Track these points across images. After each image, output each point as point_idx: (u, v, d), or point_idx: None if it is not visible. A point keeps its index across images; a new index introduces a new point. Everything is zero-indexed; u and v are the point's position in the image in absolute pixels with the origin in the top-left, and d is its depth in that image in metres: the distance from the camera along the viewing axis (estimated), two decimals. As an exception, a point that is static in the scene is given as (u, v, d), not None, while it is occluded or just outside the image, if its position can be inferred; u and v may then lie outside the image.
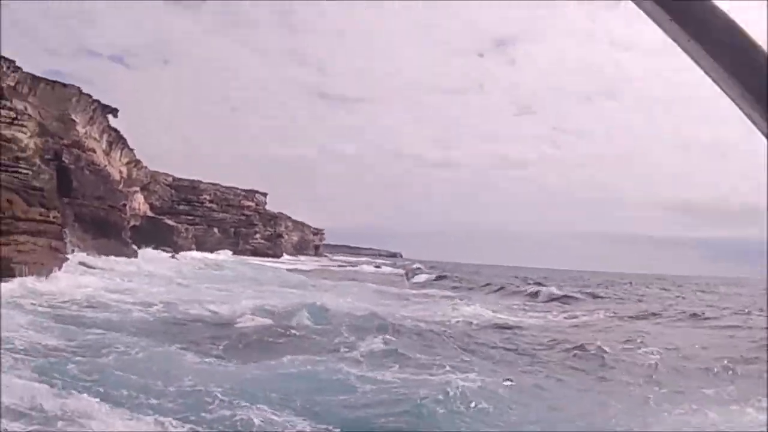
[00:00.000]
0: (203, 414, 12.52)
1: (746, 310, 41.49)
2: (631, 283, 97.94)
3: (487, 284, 68.62)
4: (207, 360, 17.69)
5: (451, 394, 14.49)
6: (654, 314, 41.39)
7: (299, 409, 13.36)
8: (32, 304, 25.44)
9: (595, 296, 56.77)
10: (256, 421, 12.27)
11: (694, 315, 40.14)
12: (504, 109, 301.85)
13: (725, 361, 21.78)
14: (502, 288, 63.23)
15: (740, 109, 1.45)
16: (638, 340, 27.13)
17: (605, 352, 23.67)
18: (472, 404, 14.24)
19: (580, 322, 35.85)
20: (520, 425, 13.87)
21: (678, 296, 67.80)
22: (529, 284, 67.44)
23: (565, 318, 37.74)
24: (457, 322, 31.90)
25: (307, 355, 19.01)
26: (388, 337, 23.12)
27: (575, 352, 24.22)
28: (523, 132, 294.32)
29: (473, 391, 15.13)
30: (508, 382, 16.98)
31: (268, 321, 25.53)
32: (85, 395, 12.53)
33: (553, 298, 51.85)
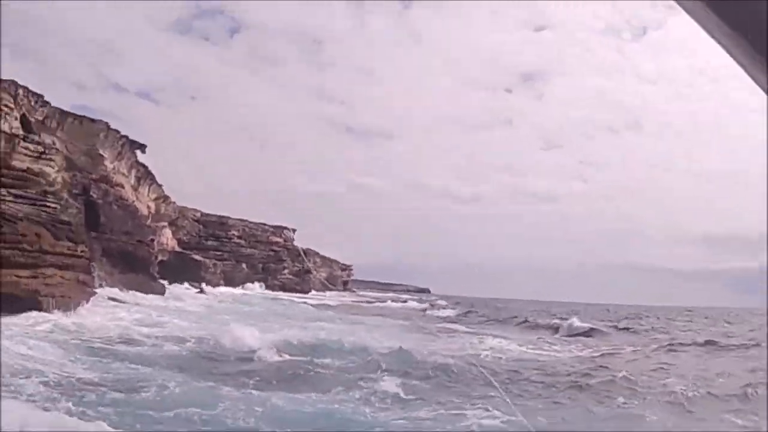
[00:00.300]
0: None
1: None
2: (658, 317, 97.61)
3: (514, 317, 68.99)
4: (240, 392, 17.47)
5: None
6: (682, 344, 41.68)
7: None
8: (63, 337, 25.17)
9: (619, 329, 56.63)
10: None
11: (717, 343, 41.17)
12: (531, 143, 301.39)
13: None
14: (525, 321, 63.25)
15: (744, 68, 1.36)
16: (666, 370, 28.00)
17: (633, 382, 23.81)
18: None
19: (606, 353, 36.02)
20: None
21: (702, 328, 67.83)
22: (555, 318, 66.66)
23: (590, 351, 37.49)
24: (486, 356, 31.87)
25: (335, 388, 19.11)
26: (413, 373, 23.56)
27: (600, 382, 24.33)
28: (550, 166, 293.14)
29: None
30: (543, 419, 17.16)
31: (298, 357, 25.54)
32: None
33: (577, 333, 51.30)
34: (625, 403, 19.93)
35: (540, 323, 59.87)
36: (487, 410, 17.79)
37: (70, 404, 13.95)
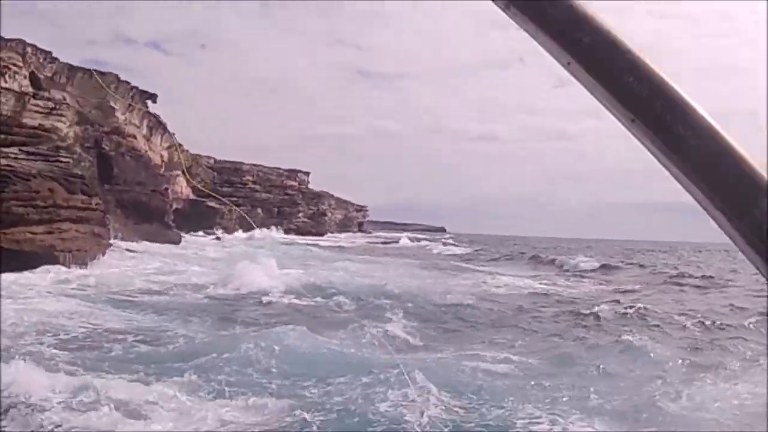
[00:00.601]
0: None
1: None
2: (673, 252, 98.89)
3: (524, 253, 70.53)
4: (259, 334, 17.95)
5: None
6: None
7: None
8: (83, 291, 25.56)
9: (628, 264, 58.32)
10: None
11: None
12: (544, 81, 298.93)
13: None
14: (537, 258, 64.65)
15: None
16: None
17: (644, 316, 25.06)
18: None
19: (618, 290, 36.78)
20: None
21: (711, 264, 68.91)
22: (566, 255, 68.21)
23: (603, 287, 38.64)
24: (499, 292, 33.29)
25: (353, 329, 19.42)
26: (426, 313, 24.61)
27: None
28: (563, 104, 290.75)
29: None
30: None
31: (314, 299, 26.00)
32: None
33: (588, 269, 52.52)
34: (639, 336, 20.43)
35: (552, 260, 60.71)
36: (499, 347, 18.63)
37: (95, 356, 14.55)
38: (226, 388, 12.73)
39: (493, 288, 35.89)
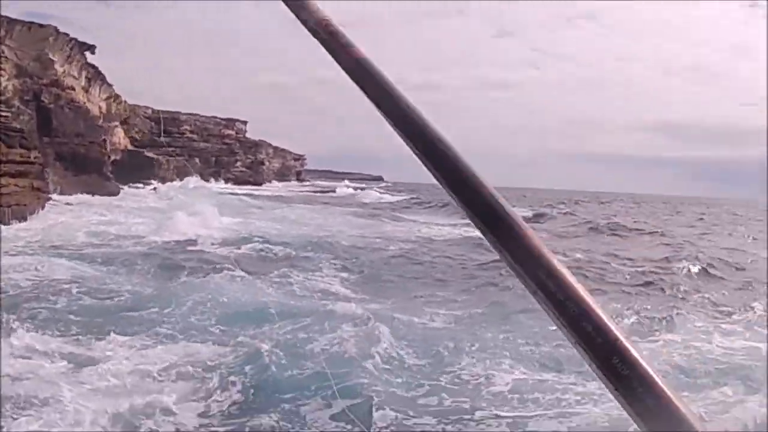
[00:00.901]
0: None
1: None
2: (601, 202, 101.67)
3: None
4: (198, 281, 19.02)
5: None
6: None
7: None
8: (23, 244, 25.92)
9: (541, 216, 60.01)
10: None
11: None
12: (485, 31, 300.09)
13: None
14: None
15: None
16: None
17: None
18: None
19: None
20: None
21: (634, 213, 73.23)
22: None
23: None
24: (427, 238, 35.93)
25: (292, 274, 21.08)
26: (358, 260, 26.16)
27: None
28: (503, 54, 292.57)
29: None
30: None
31: (251, 245, 27.65)
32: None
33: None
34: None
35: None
36: (429, 295, 19.92)
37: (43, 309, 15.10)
38: (171, 334, 13.49)
39: (423, 235, 38.18)
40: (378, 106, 1.24)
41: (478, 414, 10.76)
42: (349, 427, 10.06)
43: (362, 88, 1.28)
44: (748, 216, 79.05)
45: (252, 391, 10.97)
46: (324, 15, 1.43)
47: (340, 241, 31.80)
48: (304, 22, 1.44)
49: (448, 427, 10.45)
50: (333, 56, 1.35)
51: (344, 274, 22.81)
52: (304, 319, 15.07)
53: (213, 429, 9.80)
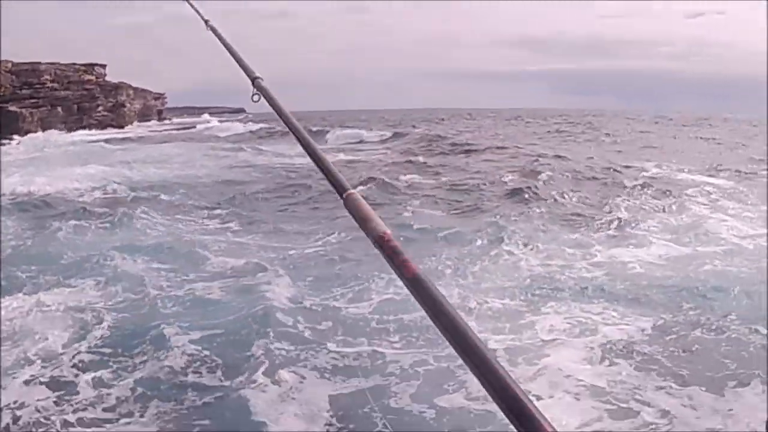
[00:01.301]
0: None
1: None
2: (444, 118, 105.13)
3: (311, 130, 69.20)
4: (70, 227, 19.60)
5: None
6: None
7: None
8: None
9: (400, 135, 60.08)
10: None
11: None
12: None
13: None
14: (320, 131, 66.25)
15: None
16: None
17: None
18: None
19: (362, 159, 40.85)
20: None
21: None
22: (333, 127, 72.50)
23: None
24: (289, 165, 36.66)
25: (152, 215, 21.79)
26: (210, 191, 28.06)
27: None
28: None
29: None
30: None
31: (114, 194, 27.22)
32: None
33: (347, 141, 58.07)
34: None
35: (319, 131, 64.10)
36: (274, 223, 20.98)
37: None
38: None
39: (281, 163, 38.83)
40: (433, 318, 1.33)
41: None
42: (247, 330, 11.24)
43: (419, 300, 1.36)
44: (609, 126, 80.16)
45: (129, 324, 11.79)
46: (384, 229, 1.55)
47: (202, 176, 32.87)
48: (367, 234, 1.58)
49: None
50: (393, 269, 1.45)
51: (217, 211, 23.44)
52: (178, 257, 16.26)
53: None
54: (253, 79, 2.80)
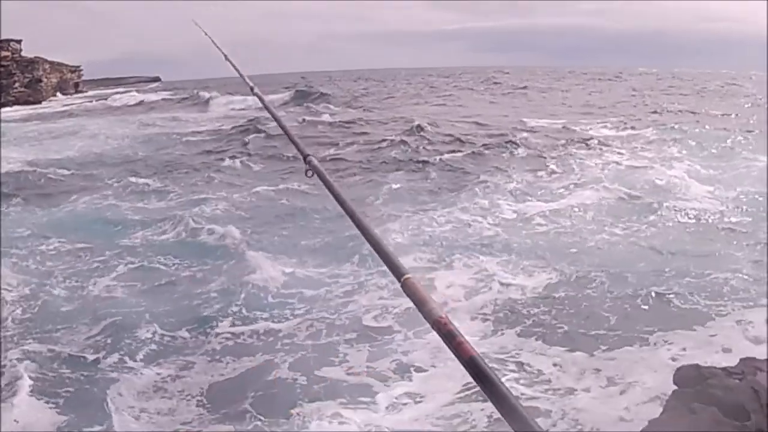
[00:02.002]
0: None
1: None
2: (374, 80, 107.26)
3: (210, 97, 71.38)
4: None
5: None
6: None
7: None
8: None
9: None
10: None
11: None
12: None
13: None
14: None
15: None
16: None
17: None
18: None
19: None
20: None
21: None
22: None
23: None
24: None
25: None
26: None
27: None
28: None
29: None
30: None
31: (34, 168, 27.17)
32: None
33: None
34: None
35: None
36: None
37: None
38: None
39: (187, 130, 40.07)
40: (491, 399, 1.31)
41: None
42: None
43: (477, 381, 1.35)
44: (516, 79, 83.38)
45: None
46: (440, 313, 1.53)
47: (123, 148, 33.23)
48: (424, 317, 1.56)
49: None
50: (450, 350, 1.44)
51: (144, 180, 24.01)
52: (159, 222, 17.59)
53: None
54: (305, 156, 2.72)
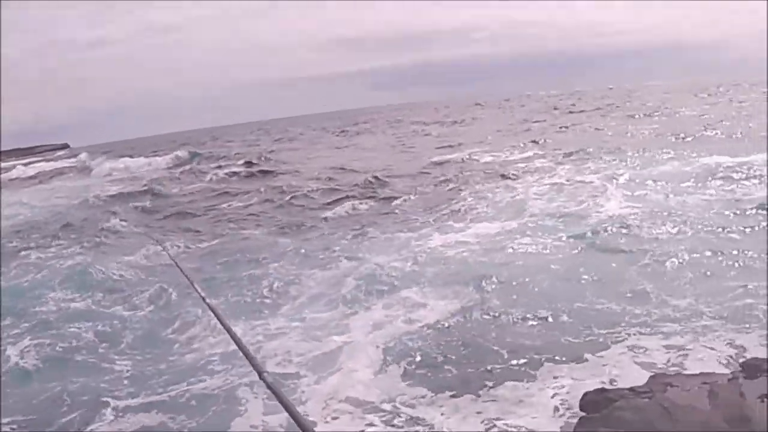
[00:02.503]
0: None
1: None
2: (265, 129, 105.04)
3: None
4: None
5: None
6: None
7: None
8: None
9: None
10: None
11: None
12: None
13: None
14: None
15: None
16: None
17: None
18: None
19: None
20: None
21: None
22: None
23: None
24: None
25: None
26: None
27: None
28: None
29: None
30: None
31: None
32: None
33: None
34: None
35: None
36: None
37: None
38: None
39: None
40: None
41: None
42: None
43: None
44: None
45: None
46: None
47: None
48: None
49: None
50: None
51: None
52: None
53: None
54: (260, 374, 2.40)
